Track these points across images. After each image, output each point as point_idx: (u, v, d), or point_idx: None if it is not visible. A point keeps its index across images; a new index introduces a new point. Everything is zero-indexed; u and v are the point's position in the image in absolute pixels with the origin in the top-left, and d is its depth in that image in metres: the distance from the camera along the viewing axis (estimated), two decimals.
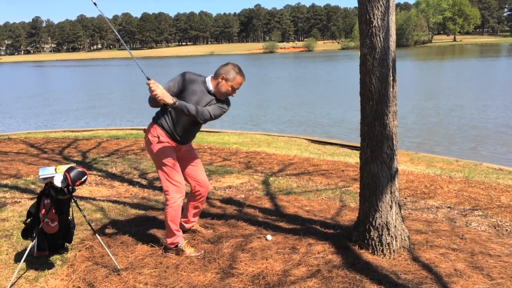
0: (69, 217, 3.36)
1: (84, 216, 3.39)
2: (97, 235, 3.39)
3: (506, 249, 3.64)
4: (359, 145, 3.65)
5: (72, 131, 11.38)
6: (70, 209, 3.36)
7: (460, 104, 17.59)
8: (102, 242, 3.39)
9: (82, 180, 3.07)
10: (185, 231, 3.88)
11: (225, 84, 3.40)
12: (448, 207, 4.83)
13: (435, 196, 5.25)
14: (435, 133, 12.61)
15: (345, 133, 12.88)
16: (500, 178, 6.24)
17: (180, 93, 3.34)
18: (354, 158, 7.71)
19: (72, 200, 3.30)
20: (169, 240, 3.53)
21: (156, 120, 3.50)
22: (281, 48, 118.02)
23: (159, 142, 3.42)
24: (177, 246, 3.52)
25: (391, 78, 3.42)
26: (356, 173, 6.20)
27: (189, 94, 3.35)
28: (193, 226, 3.93)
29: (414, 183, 5.85)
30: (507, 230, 4.16)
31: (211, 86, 3.42)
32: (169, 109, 3.38)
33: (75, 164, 3.26)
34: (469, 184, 5.81)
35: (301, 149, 8.83)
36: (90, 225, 3.39)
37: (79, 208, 3.34)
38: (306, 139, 10.60)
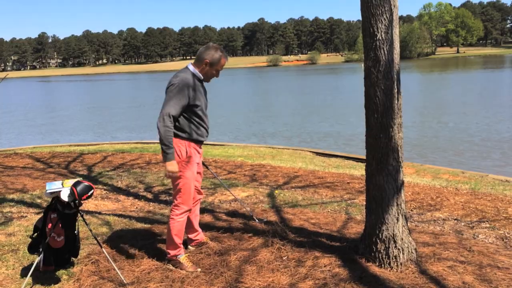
0: (75, 231, 3.37)
1: (90, 230, 3.40)
2: (103, 249, 3.39)
3: None
4: (364, 157, 3.65)
5: (78, 145, 11.44)
6: (76, 223, 3.37)
7: (465, 116, 17.56)
8: (108, 256, 3.39)
9: (89, 194, 3.08)
10: (194, 244, 3.87)
11: (210, 69, 3.46)
12: (455, 219, 4.80)
13: (442, 208, 5.22)
14: (440, 145, 12.57)
15: (350, 145, 12.87)
16: (506, 190, 6.20)
17: (190, 103, 3.37)
18: (359, 170, 7.70)
19: (79, 214, 3.31)
20: (171, 252, 3.54)
21: (176, 136, 3.43)
22: (284, 61, 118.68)
23: (188, 156, 3.43)
24: (177, 257, 3.53)
25: (396, 90, 3.43)
26: (361, 185, 6.18)
27: (198, 100, 3.39)
28: (202, 239, 3.92)
29: (420, 195, 5.82)
30: None
31: (198, 73, 3.46)
32: (187, 117, 3.39)
33: (81, 179, 3.28)
34: (475, 196, 5.77)
35: (306, 161, 8.82)
36: (96, 239, 3.40)
37: (85, 222, 3.35)
38: (310, 151, 10.60)
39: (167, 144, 3.27)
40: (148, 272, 3.45)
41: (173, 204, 3.52)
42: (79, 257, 3.62)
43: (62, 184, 3.12)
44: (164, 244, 3.94)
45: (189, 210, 3.57)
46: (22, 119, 24.33)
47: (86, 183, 3.11)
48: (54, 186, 3.11)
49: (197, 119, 3.46)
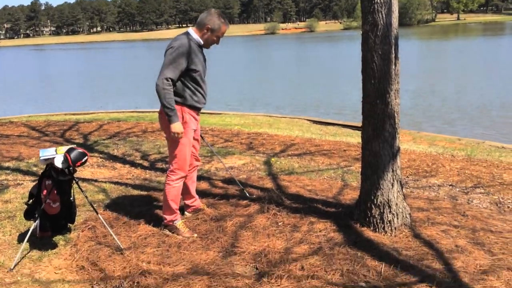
0: (71, 198, 3.37)
1: (86, 197, 3.40)
2: (99, 215, 3.41)
3: (507, 225, 3.64)
4: (361, 125, 3.63)
5: (73, 114, 11.36)
6: (72, 190, 3.37)
7: (463, 83, 17.46)
8: (104, 222, 3.41)
9: (83, 161, 3.07)
10: (191, 210, 3.90)
11: (211, 35, 3.43)
12: (450, 185, 4.83)
13: (437, 174, 5.25)
14: (437, 112, 12.55)
15: (348, 113, 12.83)
16: (502, 156, 6.23)
17: (188, 67, 3.33)
18: (356, 138, 7.69)
19: (74, 181, 3.30)
20: (168, 218, 3.57)
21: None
22: (282, 29, 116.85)
23: (183, 122, 3.41)
24: (173, 223, 3.56)
25: (394, 55, 3.37)
26: (358, 153, 6.19)
27: (196, 65, 3.36)
28: (198, 205, 3.95)
29: (416, 161, 5.84)
30: (508, 207, 4.17)
31: (199, 38, 3.42)
32: (183, 81, 3.36)
33: (75, 145, 3.26)
34: (471, 162, 5.80)
35: (302, 129, 8.81)
36: (92, 206, 3.41)
37: (81, 189, 3.35)
38: (308, 120, 10.57)
39: (169, 106, 3.26)
40: (145, 238, 3.48)
41: (169, 169, 3.52)
42: (75, 223, 3.64)
43: (55, 151, 3.10)
44: (161, 211, 3.97)
45: (185, 176, 3.57)
46: (17, 88, 24.09)
47: (80, 150, 3.09)
48: (47, 152, 3.09)
49: (194, 85, 3.42)
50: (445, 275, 2.88)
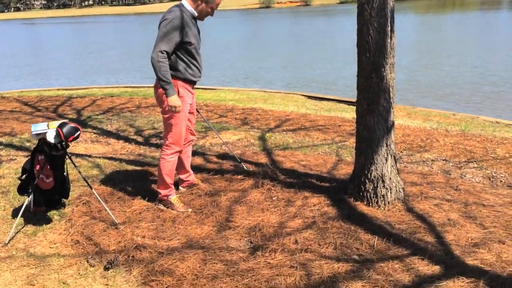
0: (64, 173, 3.36)
1: (79, 172, 3.39)
2: (93, 190, 3.40)
3: (499, 199, 3.68)
4: (356, 100, 3.61)
5: (66, 89, 11.23)
6: (65, 165, 3.35)
7: (458, 58, 17.38)
8: (98, 197, 3.41)
9: (75, 135, 3.04)
10: (185, 185, 3.90)
11: (205, 7, 3.38)
12: (444, 160, 4.85)
13: (431, 149, 5.27)
14: (432, 88, 12.52)
15: (343, 89, 12.77)
16: (496, 131, 6.25)
17: (183, 39, 3.28)
18: (351, 113, 7.68)
19: (67, 156, 3.28)
20: (163, 192, 3.57)
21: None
22: (277, 3, 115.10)
23: (179, 96, 3.37)
24: (168, 198, 3.56)
25: (389, 28, 3.33)
26: (353, 128, 6.19)
27: (190, 38, 3.31)
28: (193, 180, 3.95)
29: (410, 137, 5.85)
30: (501, 181, 4.20)
31: (193, 10, 3.36)
32: (178, 55, 3.32)
33: (67, 120, 3.22)
34: (465, 137, 5.82)
35: (297, 105, 8.77)
36: (86, 181, 3.40)
37: (74, 164, 3.33)
38: (303, 95, 10.51)
39: (164, 79, 3.21)
40: (139, 213, 3.49)
41: (164, 144, 3.50)
42: (70, 198, 3.64)
43: (47, 125, 3.07)
44: (155, 185, 3.97)
45: (180, 151, 3.56)
46: (8, 62, 23.73)
47: (72, 125, 3.05)
48: (39, 127, 3.05)
49: (189, 58, 3.37)
50: (437, 248, 2.92)
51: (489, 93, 11.67)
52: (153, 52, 3.20)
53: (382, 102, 3.42)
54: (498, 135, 5.95)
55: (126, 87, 11.58)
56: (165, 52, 3.20)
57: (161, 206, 3.57)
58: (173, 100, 3.26)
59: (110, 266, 2.78)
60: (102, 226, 3.28)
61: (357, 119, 3.59)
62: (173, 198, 3.58)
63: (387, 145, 3.47)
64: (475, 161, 4.78)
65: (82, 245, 3.06)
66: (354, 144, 3.68)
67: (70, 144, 3.23)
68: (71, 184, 3.63)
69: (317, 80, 14.65)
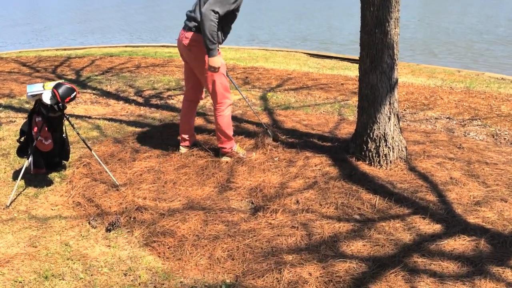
0: (63, 135, 3.32)
1: (78, 133, 3.35)
2: (93, 152, 3.37)
3: (503, 157, 3.64)
4: (359, 57, 3.51)
5: (65, 49, 11.03)
6: (64, 126, 3.31)
7: (464, 13, 16.90)
8: (98, 159, 3.39)
9: (72, 96, 2.98)
10: (186, 145, 3.86)
11: None
12: (447, 118, 4.78)
13: (435, 107, 5.19)
14: (437, 44, 12.24)
15: (347, 46, 12.51)
16: (501, 88, 6.14)
17: (234, 10, 3.28)
18: (354, 71, 7.54)
19: (65, 118, 3.23)
20: (228, 146, 3.63)
21: None
22: None
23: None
24: (232, 149, 3.65)
25: None
26: (355, 87, 6.08)
27: (238, 9, 3.31)
28: (194, 140, 3.95)
29: (414, 94, 5.76)
30: (505, 138, 4.15)
31: None
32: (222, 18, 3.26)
33: (63, 81, 3.15)
34: (469, 94, 5.72)
35: (300, 63, 8.61)
36: (85, 143, 3.37)
37: (72, 126, 3.29)
38: (305, 53, 10.30)
39: (211, 40, 3.16)
40: (140, 174, 3.48)
41: (216, 102, 3.50)
42: (70, 160, 3.62)
43: (43, 86, 3.00)
44: (156, 147, 3.95)
45: (232, 103, 3.60)
46: (4, 22, 23.28)
47: (68, 85, 2.98)
48: (35, 88, 2.99)
49: (229, 24, 3.37)
50: (439, 206, 2.91)
51: (497, 51, 11.42)
52: (205, 8, 3.11)
53: (385, 59, 3.32)
54: (503, 92, 5.84)
55: (126, 46, 11.36)
56: (217, 13, 3.13)
57: (227, 159, 3.64)
58: (215, 60, 3.24)
59: (111, 227, 2.80)
60: (103, 188, 3.27)
61: (360, 77, 3.50)
62: (237, 148, 3.68)
63: (390, 104, 3.40)
64: (479, 119, 4.71)
65: (84, 207, 3.06)
66: (357, 103, 3.61)
67: (67, 105, 3.18)
68: (71, 146, 3.60)
69: (321, 36, 14.33)
